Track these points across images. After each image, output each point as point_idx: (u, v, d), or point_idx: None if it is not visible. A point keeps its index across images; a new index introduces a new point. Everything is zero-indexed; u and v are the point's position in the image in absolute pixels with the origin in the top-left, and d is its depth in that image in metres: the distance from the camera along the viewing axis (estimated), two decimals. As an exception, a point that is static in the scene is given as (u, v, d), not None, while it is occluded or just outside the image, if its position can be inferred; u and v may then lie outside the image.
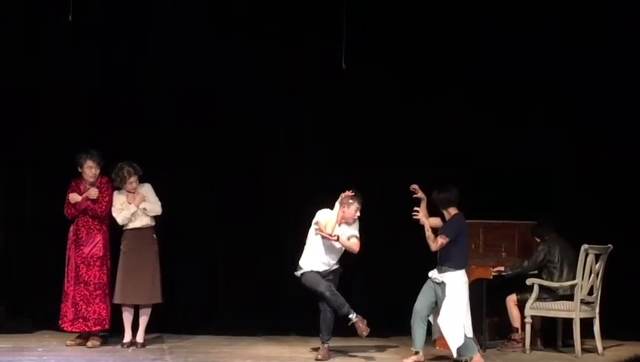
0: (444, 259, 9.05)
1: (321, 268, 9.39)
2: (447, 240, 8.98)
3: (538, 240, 10.11)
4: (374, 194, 10.20)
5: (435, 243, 8.98)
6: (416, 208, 9.04)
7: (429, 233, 8.99)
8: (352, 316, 9.16)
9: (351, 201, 9.33)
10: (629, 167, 10.87)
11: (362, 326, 9.13)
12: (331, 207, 9.34)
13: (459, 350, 8.91)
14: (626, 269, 10.46)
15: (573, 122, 11.01)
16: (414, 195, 9.16)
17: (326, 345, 9.29)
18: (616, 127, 10.92)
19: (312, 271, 9.35)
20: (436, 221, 9.16)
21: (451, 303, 8.91)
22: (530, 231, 10.26)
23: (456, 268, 9.00)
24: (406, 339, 9.26)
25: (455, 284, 8.96)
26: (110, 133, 10.41)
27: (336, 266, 9.49)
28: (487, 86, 10.91)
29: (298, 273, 9.43)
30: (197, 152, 10.85)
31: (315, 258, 9.39)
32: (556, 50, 10.92)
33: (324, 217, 9.35)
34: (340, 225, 9.34)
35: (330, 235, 9.24)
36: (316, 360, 9.22)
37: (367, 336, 9.23)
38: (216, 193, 10.86)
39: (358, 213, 9.39)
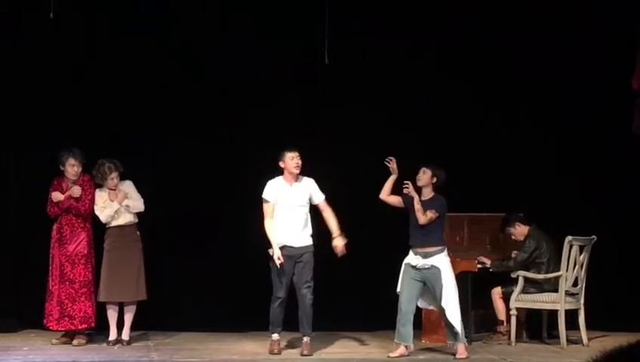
0: (427, 238, 9.06)
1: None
2: (437, 214, 9.03)
3: (512, 232, 10.02)
4: (360, 186, 10.20)
5: (425, 216, 9.01)
6: (406, 181, 9.06)
7: (418, 206, 9.04)
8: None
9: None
10: (613, 157, 10.90)
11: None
12: None
13: (461, 333, 9.01)
14: (610, 260, 10.50)
15: (557, 114, 11.04)
16: (389, 167, 9.18)
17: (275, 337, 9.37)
18: (598, 116, 10.95)
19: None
20: (397, 199, 9.19)
21: (451, 287, 9.01)
22: (500, 226, 10.19)
23: (442, 245, 9.08)
24: (392, 333, 9.25)
25: (447, 266, 9.06)
26: (91, 131, 10.39)
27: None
28: (472, 79, 10.91)
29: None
30: (181, 149, 10.83)
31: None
32: (544, 48, 10.93)
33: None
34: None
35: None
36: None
37: (356, 329, 9.25)
38: (201, 189, 10.84)
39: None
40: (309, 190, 9.43)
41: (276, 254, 9.20)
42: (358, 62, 10.88)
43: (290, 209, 9.35)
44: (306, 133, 10.76)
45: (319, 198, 9.44)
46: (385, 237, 10.34)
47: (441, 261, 9.08)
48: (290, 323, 9.92)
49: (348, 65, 10.73)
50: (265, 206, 9.42)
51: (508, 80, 10.95)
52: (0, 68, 10.56)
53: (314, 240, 9.42)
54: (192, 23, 10.81)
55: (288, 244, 9.32)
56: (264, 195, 9.42)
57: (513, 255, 10.00)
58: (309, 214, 9.44)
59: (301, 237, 9.35)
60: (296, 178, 9.41)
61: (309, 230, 9.44)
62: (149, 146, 10.80)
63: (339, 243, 9.29)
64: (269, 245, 9.35)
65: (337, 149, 10.90)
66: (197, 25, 10.81)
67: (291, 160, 9.34)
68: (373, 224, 10.55)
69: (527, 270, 9.96)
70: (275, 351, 9.27)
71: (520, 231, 10.06)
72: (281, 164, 9.40)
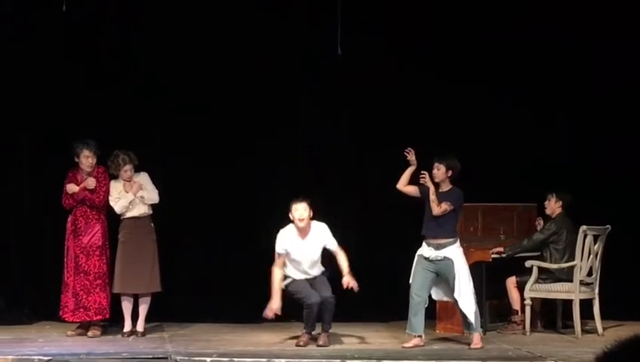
0: (440, 230, 9.05)
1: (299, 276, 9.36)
2: (451, 207, 9.03)
3: (546, 208, 9.99)
4: (372, 175, 10.20)
5: (440, 207, 9.00)
6: (423, 172, 9.05)
7: (433, 197, 9.04)
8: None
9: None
10: (628, 146, 10.86)
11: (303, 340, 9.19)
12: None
13: (475, 323, 9.01)
14: (625, 250, 10.47)
15: (571, 103, 11.01)
16: (407, 158, 9.16)
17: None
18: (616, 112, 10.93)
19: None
20: (414, 189, 9.18)
21: (465, 278, 9.00)
22: (554, 197, 10.12)
23: (455, 237, 9.07)
24: (405, 324, 9.25)
25: (461, 257, 9.05)
26: (107, 123, 10.41)
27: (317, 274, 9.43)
28: (489, 68, 10.88)
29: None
30: (194, 140, 10.84)
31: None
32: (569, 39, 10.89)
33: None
34: None
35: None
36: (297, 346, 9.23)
37: (370, 320, 9.23)
38: (215, 181, 10.84)
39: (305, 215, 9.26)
40: (322, 241, 9.30)
41: (272, 306, 9.10)
42: (370, 54, 10.86)
43: (303, 261, 9.31)
44: (316, 124, 10.77)
45: (332, 247, 9.32)
46: (398, 227, 10.34)
47: (454, 252, 9.07)
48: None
49: (361, 57, 10.72)
50: (276, 256, 9.34)
51: (522, 69, 10.91)
52: (14, 61, 10.58)
53: None
54: (203, 17, 10.81)
55: (298, 279, 9.34)
56: (276, 248, 9.32)
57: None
58: (320, 257, 9.39)
59: (312, 272, 9.37)
60: (308, 229, 9.27)
61: (320, 265, 9.41)
62: (164, 138, 10.82)
63: (349, 280, 9.20)
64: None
65: (351, 139, 10.89)
66: (208, 19, 10.81)
67: (295, 211, 9.20)
68: (386, 214, 10.55)
69: (541, 254, 9.94)
70: (302, 343, 9.26)
71: (552, 206, 10.01)
72: (290, 216, 9.26)
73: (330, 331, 9.37)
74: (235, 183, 10.84)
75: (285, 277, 9.32)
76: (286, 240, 9.30)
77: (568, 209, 10.06)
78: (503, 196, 10.39)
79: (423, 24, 10.86)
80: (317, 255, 9.33)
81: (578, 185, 10.74)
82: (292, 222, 9.27)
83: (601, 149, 10.92)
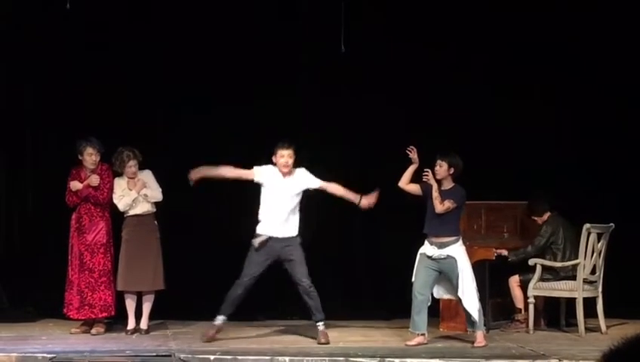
0: (443, 228, 9.05)
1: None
2: (454, 205, 9.02)
3: (536, 219, 10.09)
4: (374, 175, 10.19)
5: (443, 205, 9.00)
6: (426, 169, 9.05)
7: (436, 194, 9.02)
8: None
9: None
10: (632, 145, 10.86)
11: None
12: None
13: (479, 321, 9.02)
14: (629, 248, 10.46)
15: (574, 101, 11.00)
16: (409, 156, 9.15)
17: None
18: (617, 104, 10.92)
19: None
20: (416, 187, 9.18)
21: (468, 276, 9.01)
22: (526, 211, 10.23)
23: (457, 235, 9.07)
24: (408, 322, 9.25)
25: (463, 256, 9.05)
26: (110, 121, 10.41)
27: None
28: (488, 65, 10.88)
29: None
30: (197, 138, 10.84)
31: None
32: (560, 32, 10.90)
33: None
34: None
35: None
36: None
37: (373, 318, 9.21)
38: (219, 179, 10.84)
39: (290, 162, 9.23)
40: (304, 182, 9.27)
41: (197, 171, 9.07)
42: (374, 50, 10.86)
43: (281, 197, 9.23)
44: (319, 120, 10.77)
45: (319, 183, 9.27)
46: (401, 226, 10.33)
47: (457, 250, 9.07)
48: (309, 313, 9.95)
49: (364, 54, 10.72)
50: (246, 170, 9.26)
51: (526, 65, 10.90)
52: (18, 57, 10.58)
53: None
54: (205, 15, 10.81)
55: (272, 235, 9.25)
56: (253, 168, 9.25)
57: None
58: (298, 205, 9.30)
59: (285, 227, 9.26)
60: (290, 172, 9.26)
61: (296, 221, 9.30)
62: (168, 135, 10.82)
63: (366, 200, 9.16)
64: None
65: (354, 136, 10.89)
66: (210, 16, 10.81)
67: (281, 158, 9.20)
68: (388, 212, 10.55)
69: (543, 256, 9.95)
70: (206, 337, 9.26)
71: (541, 217, 10.06)
72: (273, 159, 9.24)
73: (331, 328, 9.34)
74: (239, 181, 10.82)
75: (256, 235, 9.25)
76: (266, 171, 9.26)
77: (569, 208, 10.07)
78: (507, 194, 10.38)
79: (426, 21, 10.85)
80: (295, 199, 9.22)
81: (582, 183, 10.74)
82: (273, 164, 9.24)
83: (606, 147, 10.90)
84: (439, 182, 9.16)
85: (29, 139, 10.77)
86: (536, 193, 10.17)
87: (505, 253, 9.94)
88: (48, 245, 10.55)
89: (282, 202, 9.23)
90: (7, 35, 10.62)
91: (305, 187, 9.27)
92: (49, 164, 10.55)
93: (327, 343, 9.18)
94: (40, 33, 10.69)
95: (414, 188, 9.25)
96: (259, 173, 9.29)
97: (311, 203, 9.48)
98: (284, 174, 9.25)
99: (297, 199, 9.28)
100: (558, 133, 11.10)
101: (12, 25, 10.64)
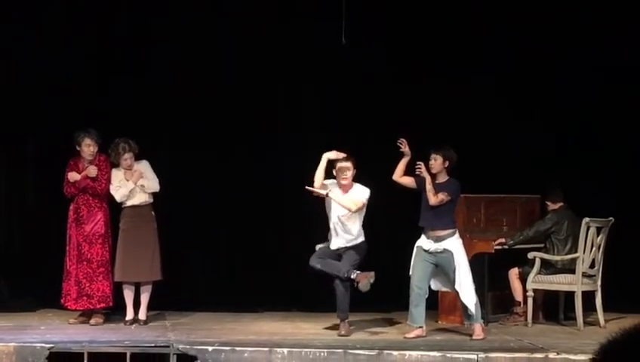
0: (439, 222, 9.04)
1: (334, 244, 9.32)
2: (449, 197, 9.01)
3: (549, 204, 10.03)
4: (374, 168, 10.18)
5: (436, 197, 8.99)
6: (418, 162, 9.04)
7: (430, 186, 9.01)
8: (353, 275, 9.12)
9: (341, 163, 9.22)
10: (632, 139, 10.86)
11: (362, 280, 9.05)
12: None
13: (476, 313, 9.02)
14: (628, 242, 10.46)
15: (578, 98, 11.01)
16: (400, 149, 9.14)
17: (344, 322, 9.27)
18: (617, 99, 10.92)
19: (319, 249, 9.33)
20: (409, 180, 9.17)
21: (464, 269, 9.01)
22: (542, 198, 10.20)
23: (453, 228, 9.06)
24: (406, 314, 9.25)
25: (460, 249, 9.04)
26: (109, 112, 10.41)
27: (354, 242, 9.37)
28: (488, 60, 10.87)
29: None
30: (196, 129, 10.84)
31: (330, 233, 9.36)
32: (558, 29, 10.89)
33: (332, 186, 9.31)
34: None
35: (318, 192, 9.15)
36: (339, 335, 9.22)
37: (372, 311, 9.21)
38: (217, 169, 10.85)
39: (348, 174, 9.23)
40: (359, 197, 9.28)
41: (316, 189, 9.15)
42: (375, 42, 10.86)
43: (338, 208, 9.24)
44: (321, 114, 10.76)
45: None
46: (399, 218, 10.34)
47: (453, 244, 9.06)
48: (308, 304, 9.98)
49: (365, 46, 10.71)
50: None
51: (525, 62, 10.90)
52: (17, 51, 10.57)
53: None
54: (208, 11, 10.81)
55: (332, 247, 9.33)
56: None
57: None
58: (357, 219, 9.32)
59: (345, 238, 9.33)
60: (349, 186, 9.27)
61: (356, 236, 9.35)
62: (166, 126, 10.82)
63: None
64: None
65: (353, 130, 10.88)
66: (213, 13, 10.81)
67: (340, 172, 9.23)
68: (386, 205, 10.54)
69: (544, 245, 9.94)
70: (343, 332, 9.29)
71: (554, 203, 10.04)
72: (334, 172, 9.26)
73: (328, 322, 9.35)
74: (237, 172, 10.85)
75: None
76: (330, 182, 9.30)
77: (570, 201, 10.06)
78: (506, 187, 10.37)
79: (425, 20, 10.86)
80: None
81: (581, 176, 10.74)
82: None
83: (605, 141, 10.90)
84: (433, 175, 9.15)
85: (29, 130, 10.75)
86: (553, 184, 10.16)
87: (502, 240, 9.93)
88: (47, 235, 10.53)
89: (340, 210, 9.26)
90: (6, 33, 10.60)
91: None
92: (47, 155, 10.53)
93: (347, 335, 9.18)
94: (40, 25, 10.67)
95: (408, 181, 9.24)
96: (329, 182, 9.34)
97: (312, 199, 9.49)
98: (345, 189, 9.27)
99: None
100: (559, 126, 11.09)
101: (13, 22, 10.63)
